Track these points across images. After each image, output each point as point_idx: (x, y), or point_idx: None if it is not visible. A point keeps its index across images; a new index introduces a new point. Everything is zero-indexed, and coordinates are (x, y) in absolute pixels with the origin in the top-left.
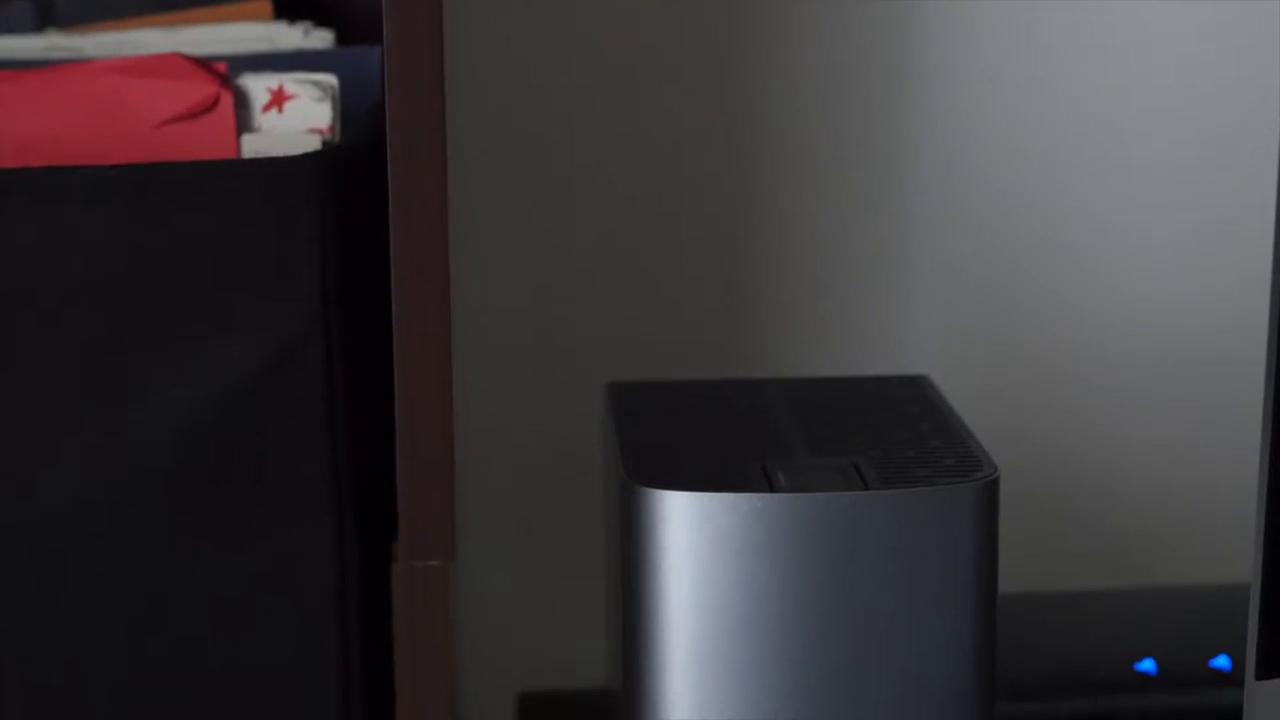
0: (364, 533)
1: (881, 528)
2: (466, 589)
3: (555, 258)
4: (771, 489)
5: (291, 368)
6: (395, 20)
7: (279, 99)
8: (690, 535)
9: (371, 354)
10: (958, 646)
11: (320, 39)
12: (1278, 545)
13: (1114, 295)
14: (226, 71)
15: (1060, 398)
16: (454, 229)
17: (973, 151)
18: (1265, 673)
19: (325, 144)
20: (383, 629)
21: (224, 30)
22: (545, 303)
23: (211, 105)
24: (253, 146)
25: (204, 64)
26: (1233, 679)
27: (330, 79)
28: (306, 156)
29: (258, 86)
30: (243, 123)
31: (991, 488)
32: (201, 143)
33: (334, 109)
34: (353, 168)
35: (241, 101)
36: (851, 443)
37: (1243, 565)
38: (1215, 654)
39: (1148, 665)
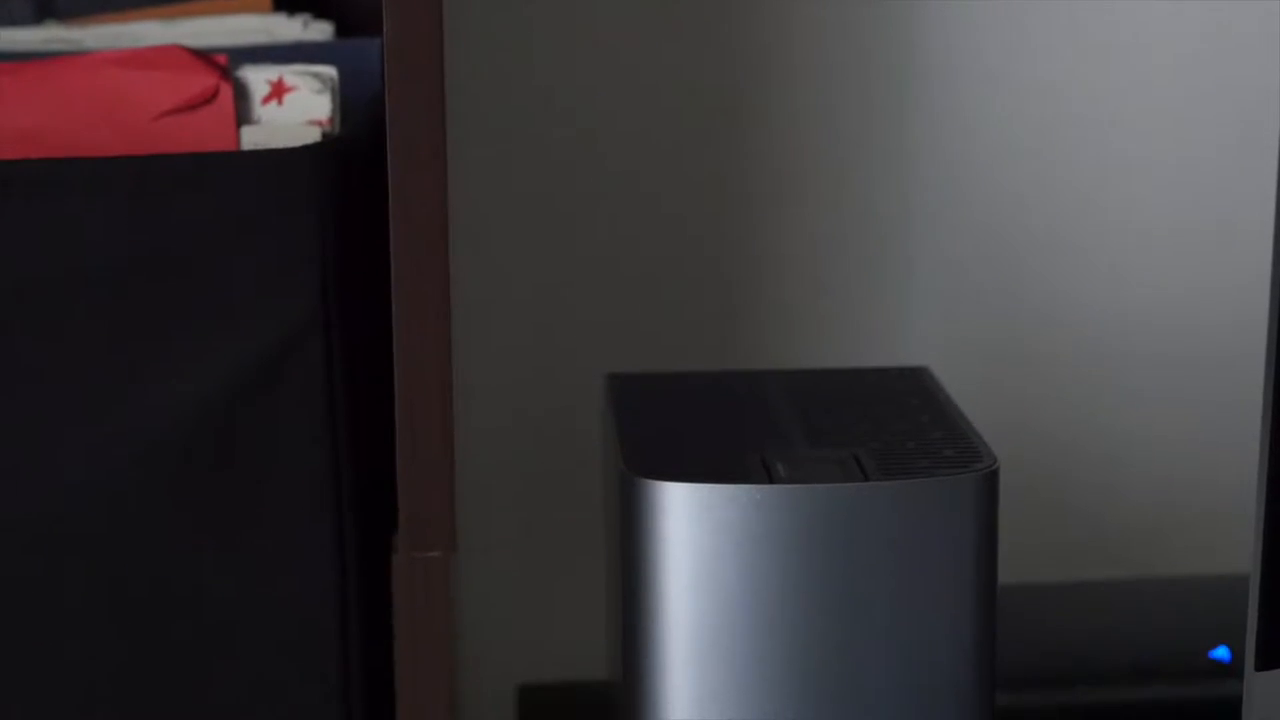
0: (364, 525)
1: (881, 519)
2: (466, 581)
3: (555, 249)
4: (771, 480)
5: (292, 359)
6: (395, 12)
7: (278, 91)
8: (690, 526)
9: (372, 344)
10: (957, 637)
11: (319, 31)
12: (1277, 536)
13: (1114, 287)
14: (226, 63)
15: (1060, 389)
16: (454, 221)
17: (973, 145)
18: (1265, 664)
19: (325, 136)
20: (383, 621)
21: (223, 22)
22: (545, 294)
23: (211, 97)
24: (252, 138)
25: (203, 56)
26: (1232, 670)
27: (330, 71)
28: (306, 148)
29: (257, 78)
30: (242, 115)
31: (991, 479)
32: (201, 135)
33: (334, 101)
34: (352, 160)
35: (241, 93)
36: (851, 434)
37: (1242, 556)
38: (1215, 645)
39: (1148, 656)
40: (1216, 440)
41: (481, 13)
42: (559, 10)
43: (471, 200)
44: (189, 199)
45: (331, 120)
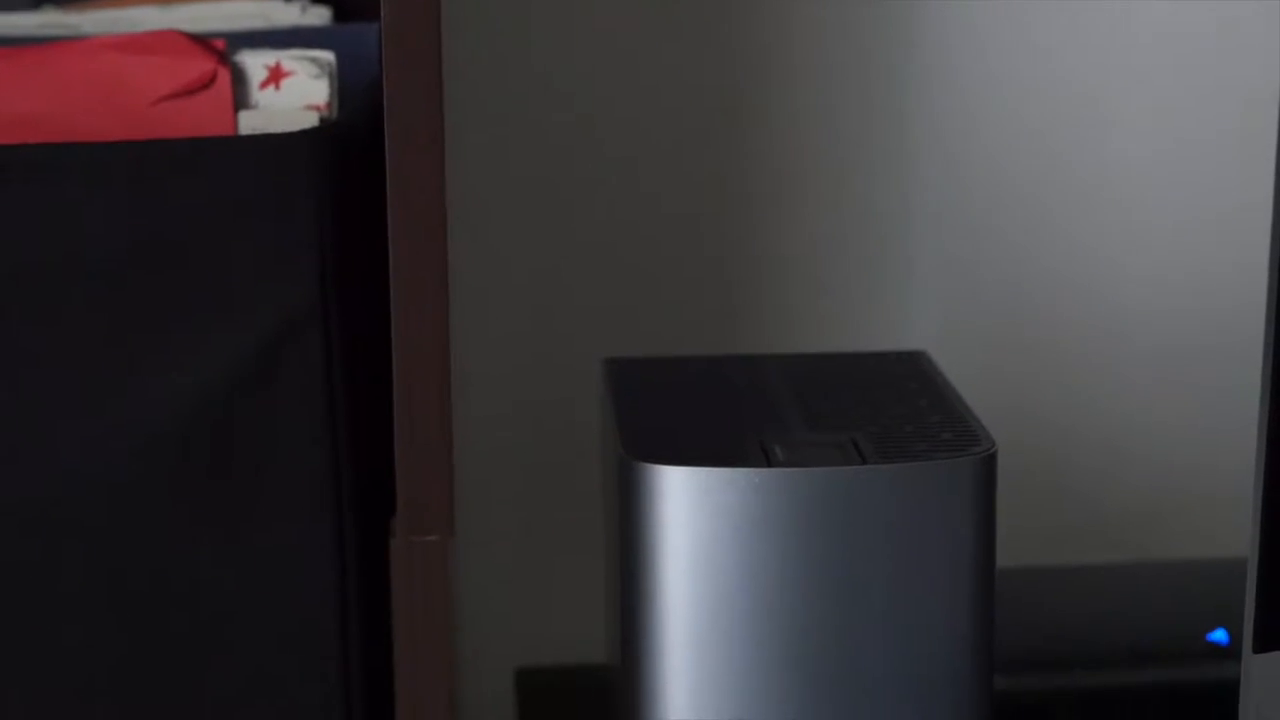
0: (364, 514)
1: (879, 503)
2: (465, 565)
3: (553, 235)
4: (769, 464)
5: (290, 346)
6: None
7: (276, 76)
8: (688, 510)
9: (370, 331)
10: (955, 621)
11: (317, 15)
12: (1275, 520)
13: (1112, 271)
14: (224, 48)
15: (1058, 373)
16: (452, 207)
17: (973, 128)
18: (1262, 646)
19: (323, 121)
20: (383, 608)
21: (221, 7)
22: (543, 279)
23: (208, 82)
24: (250, 123)
25: (201, 41)
26: (1230, 653)
27: (328, 56)
28: (304, 133)
29: (255, 63)
30: (240, 100)
31: (989, 463)
32: (198, 120)
33: (331, 86)
34: (350, 144)
35: (239, 78)
36: (849, 418)
37: (1240, 540)
38: (1212, 628)
39: (1146, 640)
40: (1214, 425)
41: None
42: None
43: (469, 186)
44: (186, 184)
45: (329, 105)
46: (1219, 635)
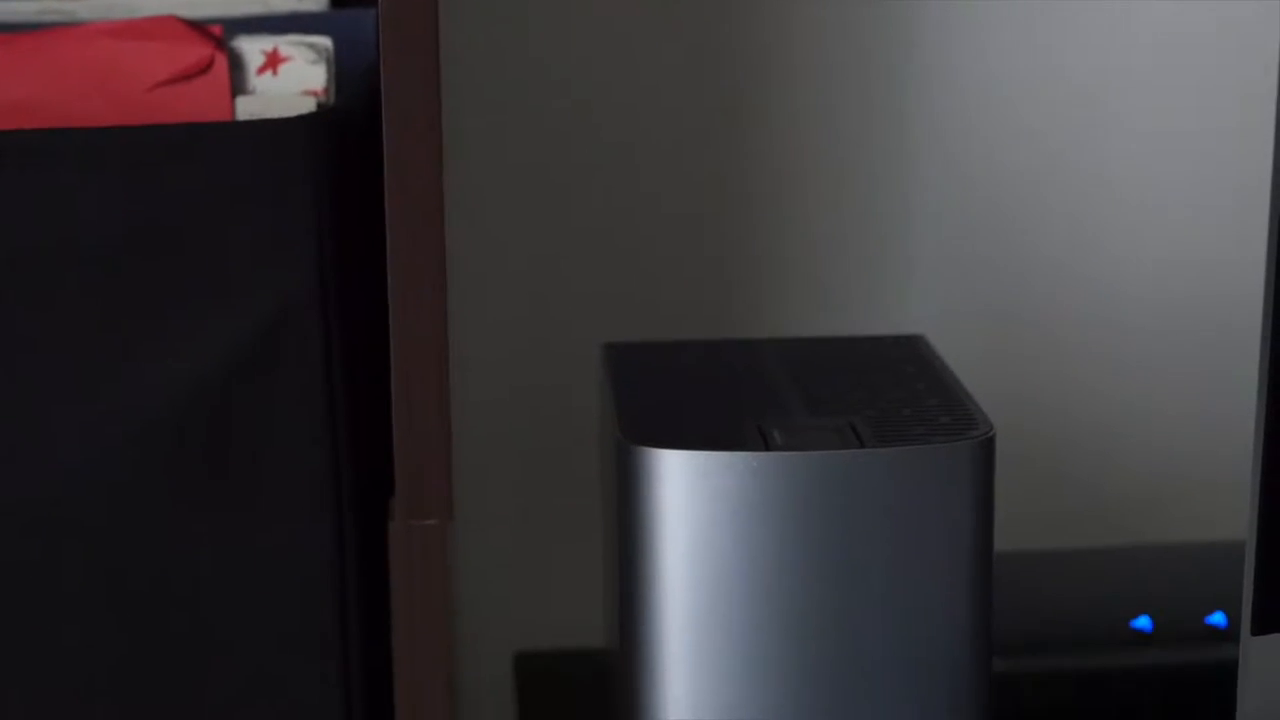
0: (363, 499)
1: (877, 486)
2: (464, 550)
3: (551, 219)
4: (768, 448)
5: (288, 332)
6: None
7: (273, 61)
8: (686, 494)
9: (369, 313)
10: (954, 604)
11: (315, 1)
12: (1273, 503)
13: (1111, 255)
14: (221, 34)
15: (1056, 356)
16: (450, 192)
17: (972, 113)
18: (1261, 628)
19: (320, 106)
20: (381, 590)
21: None
22: (541, 264)
23: (206, 68)
24: (247, 109)
25: (198, 26)
26: (1228, 635)
27: (325, 41)
28: (301, 119)
29: (252, 49)
30: (237, 85)
31: (987, 446)
32: (195, 105)
33: (329, 71)
34: (348, 130)
35: (236, 64)
36: (847, 402)
37: (1238, 524)
38: (1211, 611)
39: (1143, 622)
40: (1213, 409)
41: None
42: None
43: (467, 171)
44: (183, 170)
45: (327, 91)
46: (1217, 618)
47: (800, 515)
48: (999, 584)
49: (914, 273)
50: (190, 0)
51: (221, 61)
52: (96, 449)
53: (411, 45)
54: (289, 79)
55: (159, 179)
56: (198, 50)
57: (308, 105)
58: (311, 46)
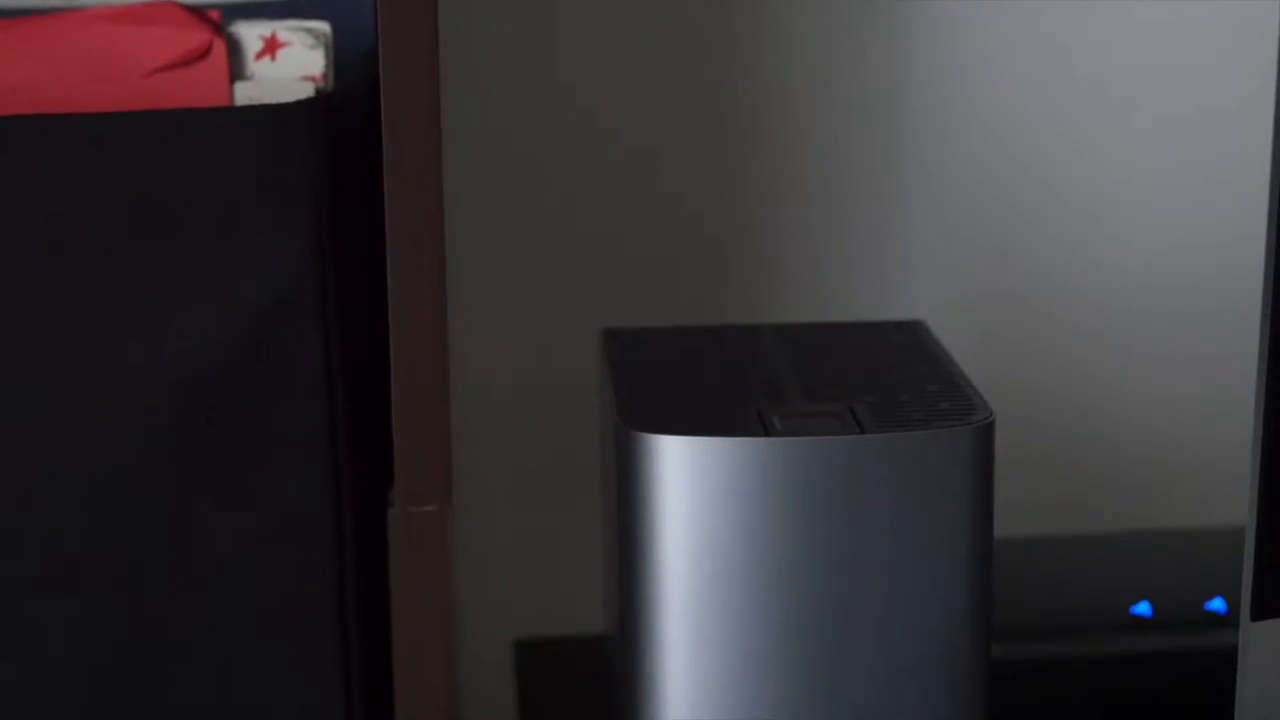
0: (362, 478)
1: (877, 471)
2: (463, 536)
3: (551, 204)
4: (767, 433)
5: (287, 315)
6: None
7: (272, 46)
8: (686, 480)
9: (368, 297)
10: (953, 590)
11: None
12: (1273, 489)
13: (1110, 240)
14: (219, 19)
15: (1056, 342)
16: (449, 177)
17: (969, 97)
18: (1260, 614)
19: (318, 91)
20: (380, 576)
21: None
22: (541, 250)
23: (204, 53)
24: (246, 94)
25: (197, 11)
26: (1228, 621)
27: (323, 26)
28: (299, 104)
29: (250, 34)
30: (235, 70)
31: (987, 431)
32: (194, 91)
33: (327, 56)
34: (346, 115)
35: (234, 49)
36: (847, 387)
37: (1237, 509)
38: (1210, 597)
39: (1143, 608)
40: (1212, 395)
41: None
42: None
43: (466, 156)
44: (183, 155)
45: (325, 76)
46: (1217, 604)
47: (800, 500)
48: (998, 570)
49: (913, 258)
50: None
51: (220, 47)
52: (95, 428)
53: (410, 30)
54: (287, 64)
55: (158, 164)
56: (196, 35)
57: (306, 90)
58: (310, 32)
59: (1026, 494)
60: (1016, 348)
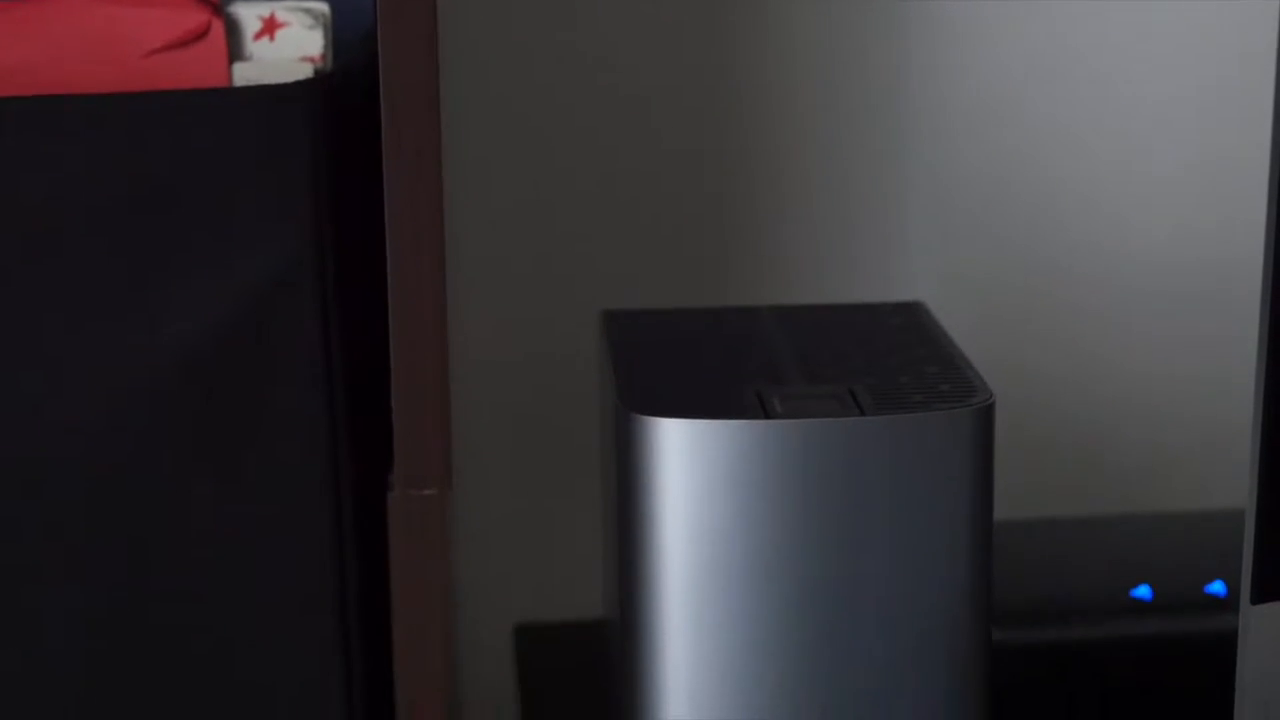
0: (361, 461)
1: (877, 453)
2: (463, 520)
3: (551, 186)
4: (767, 415)
5: (287, 297)
6: None
7: (270, 27)
8: (685, 462)
9: (367, 279)
10: (953, 572)
11: None
12: (1273, 471)
13: (1111, 222)
14: (218, 0)
15: (1056, 324)
16: (448, 157)
17: (970, 77)
18: (1260, 597)
19: (317, 72)
20: (380, 560)
21: None
22: (541, 232)
23: (203, 33)
24: (244, 75)
25: None
26: (1228, 604)
27: (322, 6)
28: (298, 84)
29: (249, 14)
30: (234, 51)
31: (987, 413)
32: (192, 71)
33: (326, 37)
34: (345, 95)
35: (233, 29)
36: (847, 369)
37: (1237, 492)
38: (1210, 580)
39: (1143, 591)
40: (1212, 377)
41: None
42: None
43: (465, 138)
44: (181, 136)
45: (324, 56)
46: (1217, 587)
47: (799, 483)
48: (998, 553)
49: (912, 240)
50: None
51: (218, 27)
52: (94, 410)
53: (409, 10)
54: (286, 45)
55: (157, 145)
56: (195, 16)
57: (305, 71)
58: (308, 12)
59: (1026, 476)
60: (1017, 329)
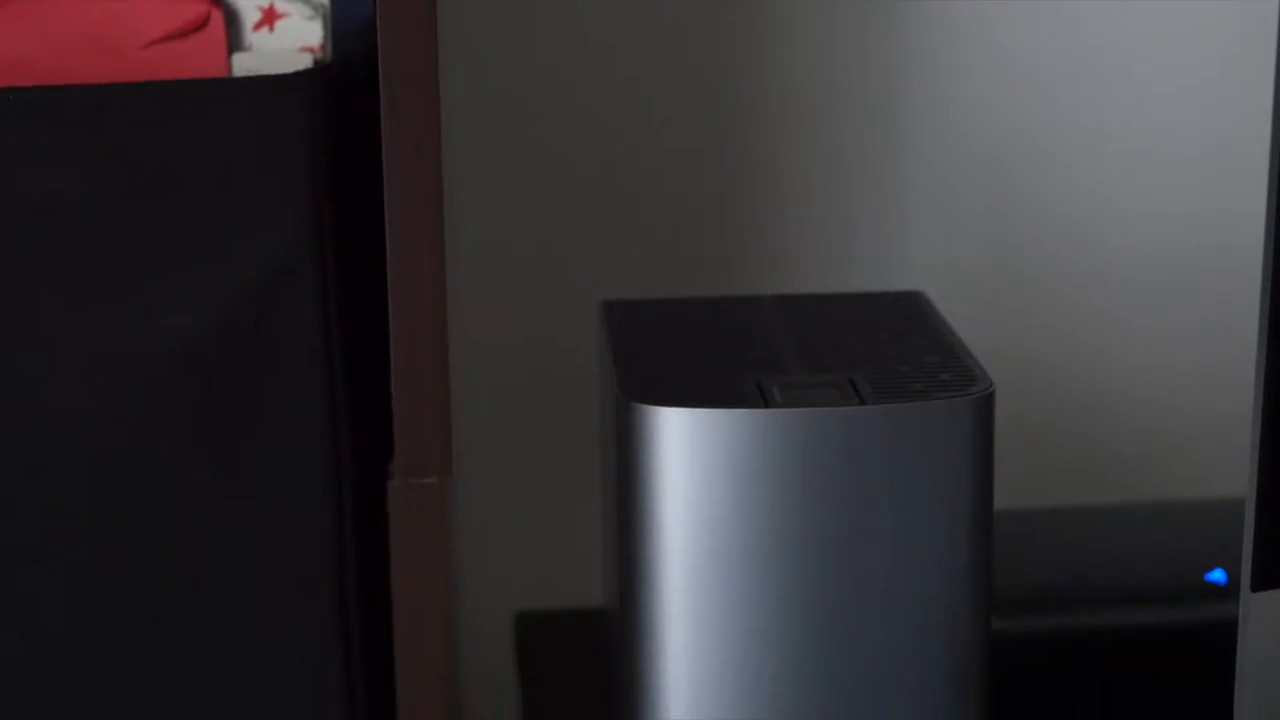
0: (361, 450)
1: (877, 443)
2: (463, 509)
3: (551, 175)
4: (766, 404)
5: (286, 286)
6: None
7: (270, 17)
8: (685, 451)
9: (368, 271)
10: (953, 562)
11: None
12: (1272, 459)
13: (1112, 210)
14: None
15: (1056, 313)
16: (448, 147)
17: (970, 64)
18: (1260, 584)
19: (316, 63)
20: (380, 546)
21: None
22: (540, 221)
23: (202, 24)
24: (244, 65)
25: None
26: (1228, 592)
27: None
28: (298, 75)
29: (248, 5)
30: (233, 41)
31: (987, 402)
32: (192, 62)
33: (325, 27)
34: (344, 86)
35: (232, 20)
36: (847, 358)
37: (1237, 481)
38: (1210, 568)
39: (1144, 579)
40: (1212, 365)
41: None
42: None
43: (465, 126)
44: (181, 127)
45: (323, 47)
46: (1217, 575)
47: (799, 472)
48: (998, 542)
49: (913, 229)
50: None
51: (217, 18)
52: (94, 400)
53: (408, 0)
54: (285, 35)
55: (157, 136)
56: (194, 7)
57: (304, 61)
58: (308, 2)
59: (1026, 465)
60: (1017, 319)
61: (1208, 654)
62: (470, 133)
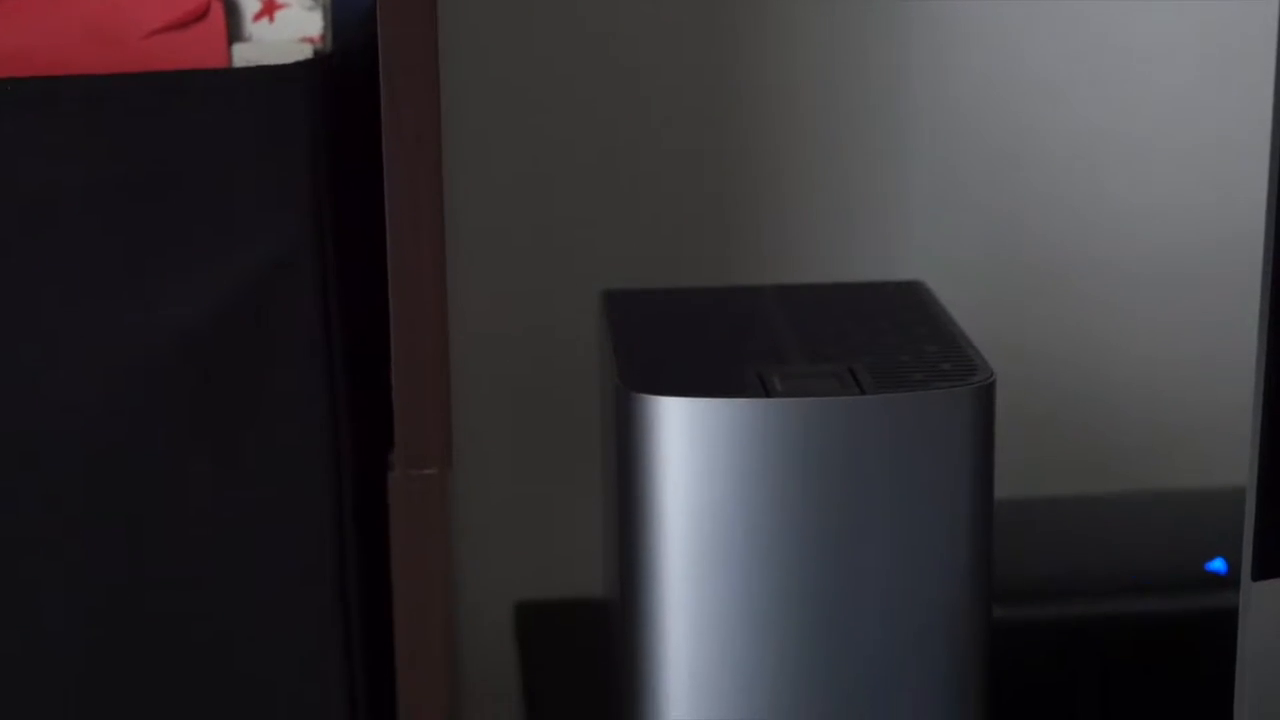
0: (362, 442)
1: (877, 432)
2: (463, 499)
3: (551, 166)
4: (767, 394)
5: (286, 278)
6: None
7: (270, 8)
8: (685, 441)
9: (368, 262)
10: (954, 551)
11: None
12: (1273, 449)
13: (1112, 201)
14: None
15: (1057, 303)
16: (448, 137)
17: (971, 56)
18: (1261, 574)
19: (317, 53)
20: (380, 539)
21: None
22: (541, 211)
23: (202, 14)
24: (244, 56)
25: None
26: (1229, 582)
27: None
28: (298, 65)
29: None
30: (233, 32)
31: (987, 392)
32: (192, 52)
33: (325, 18)
34: (345, 77)
35: (232, 11)
36: (847, 348)
37: (1238, 470)
38: (1211, 557)
39: (1144, 569)
40: (1213, 355)
41: None
42: None
43: (465, 117)
44: (181, 117)
45: (323, 37)
46: (1218, 564)
47: (800, 461)
48: (998, 531)
49: (913, 218)
50: None
51: (217, 9)
52: (93, 392)
53: None
54: (285, 26)
55: (156, 127)
56: None
57: (304, 52)
58: None
59: (1027, 455)
60: (1017, 308)
61: (1208, 643)
62: (470, 124)
